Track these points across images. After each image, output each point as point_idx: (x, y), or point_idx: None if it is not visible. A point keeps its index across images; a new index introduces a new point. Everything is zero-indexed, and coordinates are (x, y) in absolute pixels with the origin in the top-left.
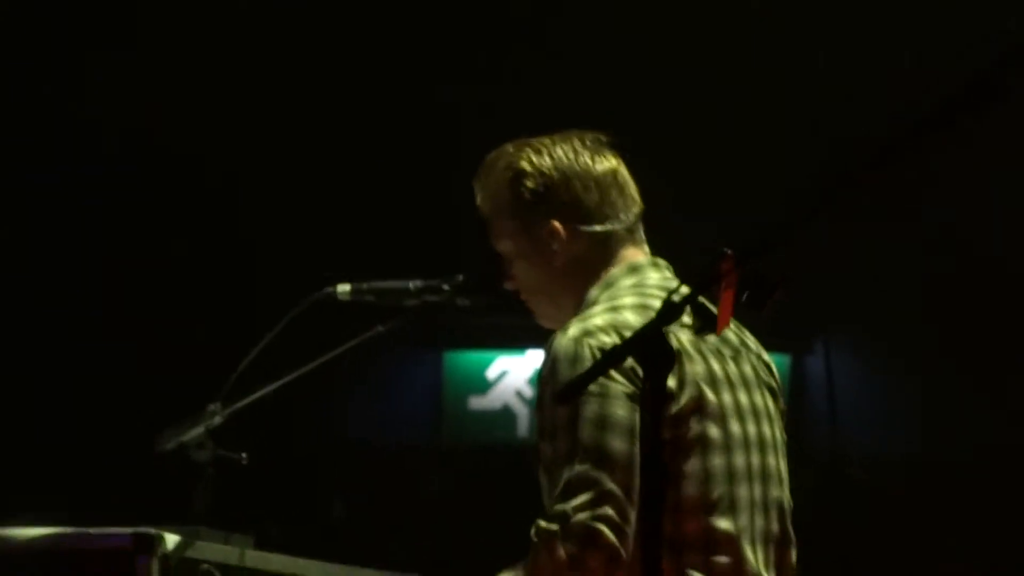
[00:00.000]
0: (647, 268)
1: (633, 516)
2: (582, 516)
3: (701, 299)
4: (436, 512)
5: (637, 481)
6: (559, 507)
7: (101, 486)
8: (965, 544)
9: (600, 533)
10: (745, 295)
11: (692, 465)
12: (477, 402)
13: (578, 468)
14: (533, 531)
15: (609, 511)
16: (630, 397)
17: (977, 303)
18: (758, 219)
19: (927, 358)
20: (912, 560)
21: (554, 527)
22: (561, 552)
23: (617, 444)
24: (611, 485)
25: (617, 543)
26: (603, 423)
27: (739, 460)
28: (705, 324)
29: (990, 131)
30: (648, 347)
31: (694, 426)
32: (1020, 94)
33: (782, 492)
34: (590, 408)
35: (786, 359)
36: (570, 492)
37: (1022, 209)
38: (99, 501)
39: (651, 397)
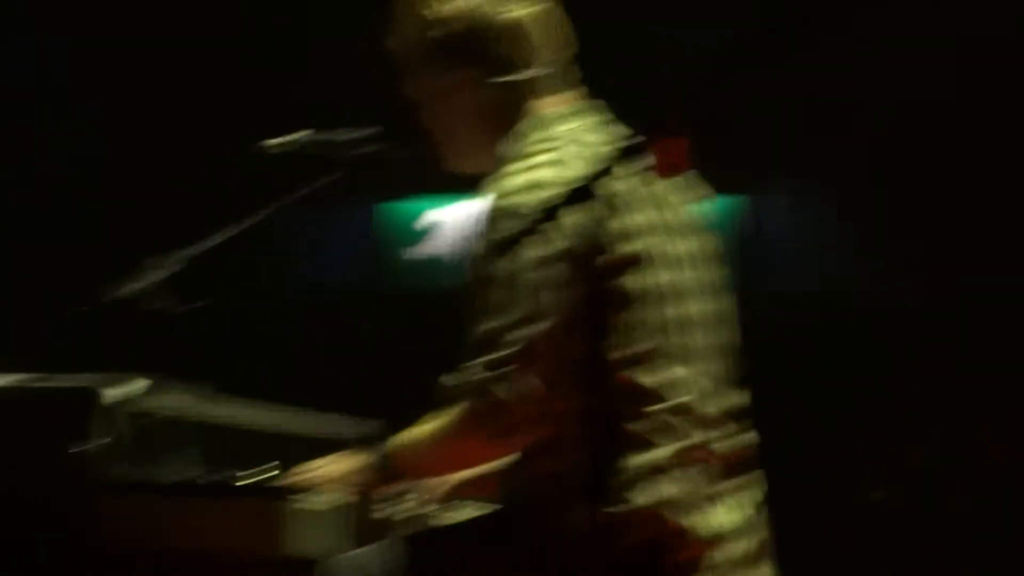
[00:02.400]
0: (557, 121)
1: (551, 370)
2: (486, 374)
3: (640, 144)
4: (372, 355)
5: (559, 336)
6: (467, 364)
7: (54, 338)
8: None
9: (500, 390)
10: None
11: (631, 315)
12: (410, 251)
13: (486, 325)
14: (439, 387)
15: (514, 368)
16: (559, 254)
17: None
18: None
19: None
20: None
21: (456, 384)
22: (468, 408)
23: (541, 300)
24: (518, 343)
25: (519, 398)
26: (513, 281)
27: (671, 309)
28: (645, 170)
29: None
30: (582, 198)
31: (625, 278)
32: None
33: (723, 334)
34: (503, 267)
35: (730, 202)
36: (478, 350)
37: None
38: (53, 354)
39: (588, 246)
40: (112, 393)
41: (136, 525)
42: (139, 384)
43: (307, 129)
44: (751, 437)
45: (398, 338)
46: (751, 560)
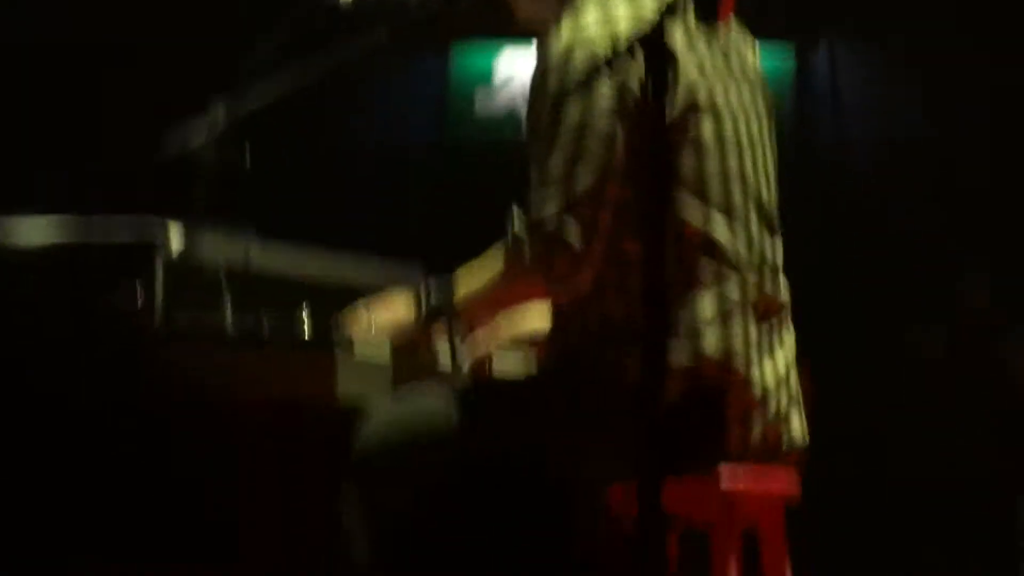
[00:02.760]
0: None
1: (604, 221)
2: (549, 222)
3: None
4: (441, 204)
5: (611, 188)
6: (532, 212)
7: (107, 191)
8: (958, 219)
9: (564, 238)
10: None
11: (687, 163)
12: (484, 100)
13: (552, 172)
14: (508, 234)
15: (575, 216)
16: (616, 107)
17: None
18: None
19: (927, 51)
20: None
21: (524, 232)
22: (529, 253)
23: (595, 151)
24: (580, 189)
25: (583, 246)
26: (582, 129)
27: (732, 160)
28: (705, 14)
29: None
30: (648, 45)
31: (687, 127)
32: None
33: (771, 190)
34: (571, 114)
35: (791, 54)
36: (541, 196)
37: None
38: (106, 205)
39: (648, 99)
40: (176, 240)
41: (197, 373)
42: (198, 231)
43: None
44: (787, 287)
45: (463, 192)
46: (785, 412)
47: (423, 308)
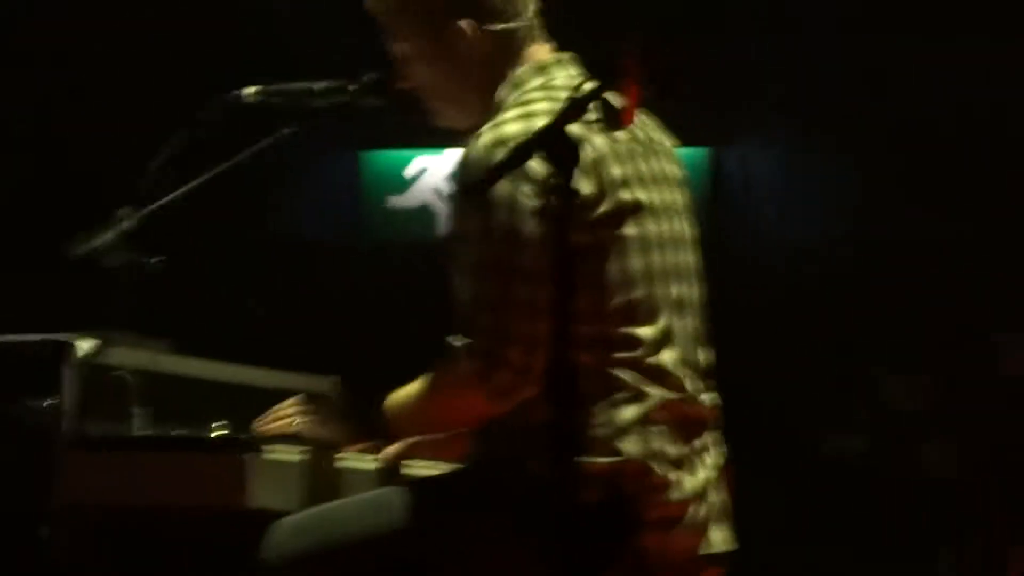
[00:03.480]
0: (553, 67)
1: (543, 328)
2: (490, 333)
3: (605, 95)
4: (355, 309)
5: (546, 292)
6: (467, 323)
7: (15, 294)
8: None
9: (507, 350)
10: (650, 88)
11: (611, 267)
12: (396, 200)
13: (486, 284)
14: (444, 342)
15: (518, 326)
16: (541, 209)
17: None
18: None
19: (839, 148)
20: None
21: (460, 344)
22: (469, 367)
23: (525, 259)
24: (518, 301)
25: (524, 360)
26: (511, 237)
27: (656, 260)
28: (611, 120)
29: None
30: (553, 145)
31: (612, 229)
32: None
33: (699, 288)
34: (500, 220)
35: (705, 152)
36: (477, 309)
37: None
38: (13, 310)
39: (569, 200)
40: (82, 347)
41: (104, 480)
42: (105, 339)
43: (281, 80)
44: (716, 397)
45: (378, 294)
46: (714, 520)
47: (351, 420)
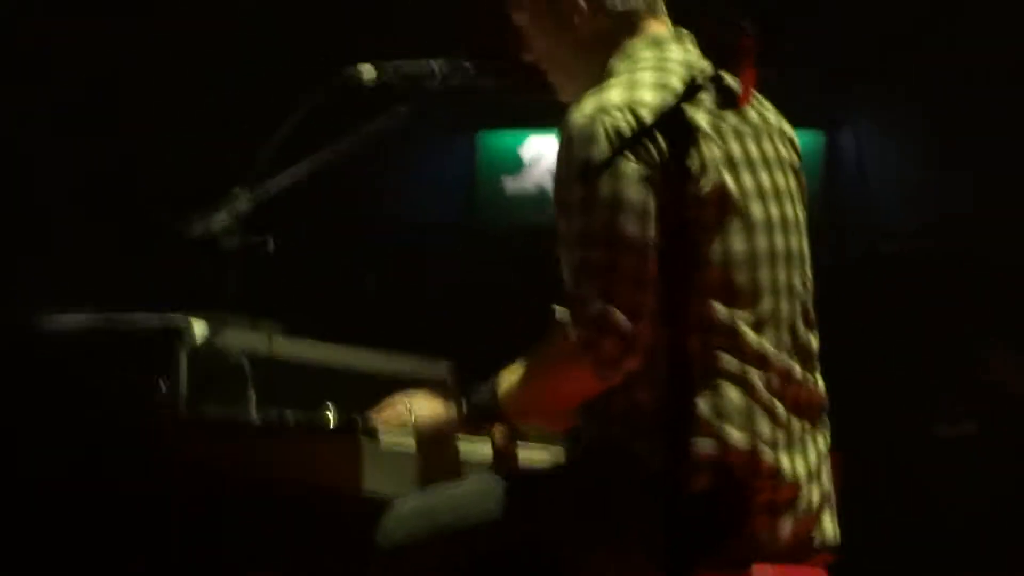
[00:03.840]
0: (670, 42)
1: (648, 299)
2: (596, 302)
3: (723, 75)
4: (469, 293)
5: (651, 263)
6: (572, 291)
7: (133, 274)
8: (998, 311)
9: (613, 317)
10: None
11: (714, 249)
12: (511, 183)
13: (592, 252)
14: (550, 315)
15: (623, 294)
16: (645, 179)
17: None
18: None
19: (955, 133)
20: (940, 326)
21: (567, 313)
22: (574, 337)
23: (630, 227)
24: (625, 268)
25: (630, 327)
26: (616, 204)
27: (761, 243)
28: (727, 100)
29: None
30: (668, 126)
31: (714, 210)
32: None
33: (805, 273)
34: (604, 189)
35: (820, 136)
36: (583, 277)
37: None
38: (131, 289)
39: (673, 175)
40: (199, 329)
41: (223, 461)
42: (220, 320)
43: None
44: (821, 380)
45: (493, 277)
46: (828, 504)
47: (465, 407)
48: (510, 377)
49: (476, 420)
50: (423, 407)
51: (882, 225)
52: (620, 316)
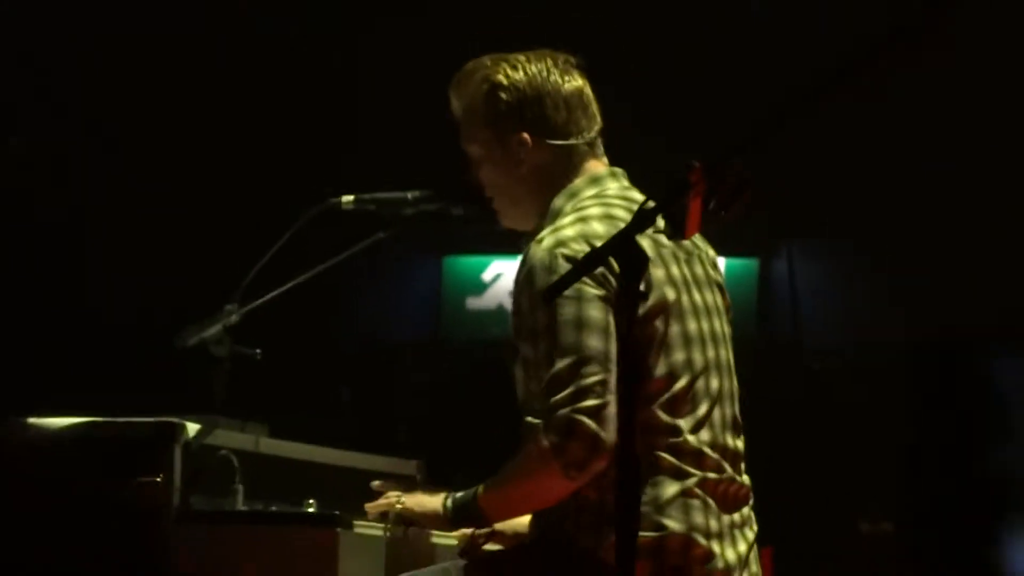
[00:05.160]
0: (607, 178)
1: (611, 406)
2: (564, 410)
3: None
4: (435, 401)
5: (614, 375)
6: (543, 403)
7: (127, 380)
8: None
9: (581, 423)
10: (712, 202)
11: (656, 360)
12: (474, 302)
13: (559, 366)
14: (521, 428)
15: (589, 402)
16: (603, 299)
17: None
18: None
19: (883, 261)
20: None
21: (538, 421)
22: (545, 443)
23: (594, 342)
24: (590, 379)
25: (598, 431)
26: (580, 324)
27: (697, 355)
28: (675, 230)
29: None
30: (623, 252)
31: (658, 325)
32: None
33: (732, 381)
34: (567, 311)
35: (754, 263)
36: (553, 389)
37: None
38: (125, 394)
39: (626, 298)
40: (191, 429)
41: (209, 551)
42: (211, 422)
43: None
44: (747, 478)
45: (457, 388)
46: None
47: (450, 505)
48: (492, 483)
49: (458, 520)
50: (412, 499)
51: (812, 344)
52: (588, 422)
